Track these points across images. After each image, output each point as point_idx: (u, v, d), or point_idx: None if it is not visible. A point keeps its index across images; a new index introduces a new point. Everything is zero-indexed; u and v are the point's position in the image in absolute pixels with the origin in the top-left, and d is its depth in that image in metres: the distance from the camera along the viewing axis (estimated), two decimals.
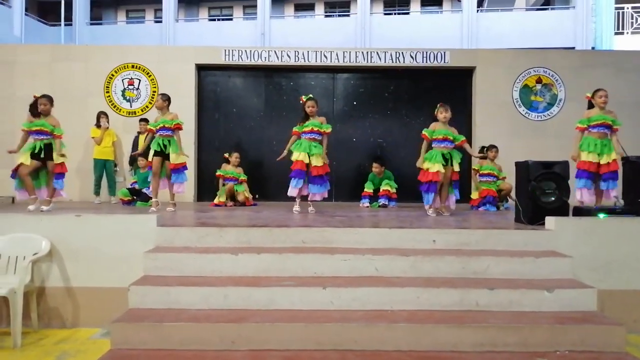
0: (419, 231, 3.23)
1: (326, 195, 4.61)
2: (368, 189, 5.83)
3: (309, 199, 4.62)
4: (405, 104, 6.76)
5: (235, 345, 2.45)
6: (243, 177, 5.84)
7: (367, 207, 5.70)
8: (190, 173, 6.42)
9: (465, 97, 6.74)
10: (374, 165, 5.90)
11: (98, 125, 6.10)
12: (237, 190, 5.73)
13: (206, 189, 6.62)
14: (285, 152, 4.60)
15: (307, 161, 4.44)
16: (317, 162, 4.47)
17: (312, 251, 3.02)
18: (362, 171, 6.59)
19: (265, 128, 6.76)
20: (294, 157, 4.46)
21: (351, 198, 6.50)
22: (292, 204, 4.66)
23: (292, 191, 4.47)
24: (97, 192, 5.96)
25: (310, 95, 4.64)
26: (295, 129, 4.64)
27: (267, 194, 6.61)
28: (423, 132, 4.51)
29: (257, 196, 6.34)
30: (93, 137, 6.06)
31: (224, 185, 5.71)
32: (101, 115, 6.12)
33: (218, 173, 5.80)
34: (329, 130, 4.57)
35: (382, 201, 5.71)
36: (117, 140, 6.26)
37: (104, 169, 6.01)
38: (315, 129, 4.49)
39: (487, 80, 6.60)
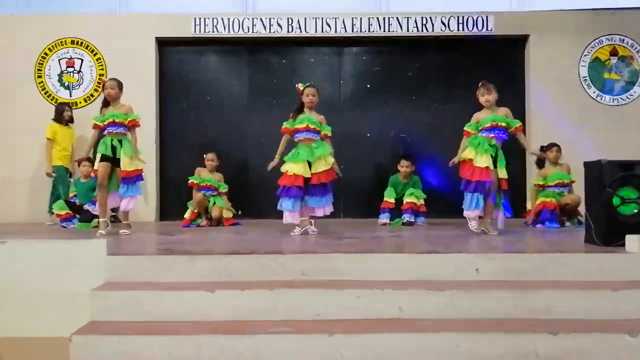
0: (456, 257, 3.23)
1: (330, 210, 4.64)
2: (389, 197, 5.87)
3: (307, 215, 4.67)
4: (435, 86, 6.81)
5: None
6: (223, 189, 5.90)
7: (387, 224, 5.75)
8: (151, 183, 6.53)
9: (515, 77, 6.79)
10: (402, 163, 5.88)
11: (60, 121, 6.14)
12: (214, 204, 5.78)
13: (172, 204, 6.68)
14: (277, 159, 4.65)
15: (307, 175, 4.48)
16: (320, 165, 4.53)
17: (314, 285, 3.04)
18: (379, 177, 6.64)
19: (250, 122, 6.81)
20: (288, 169, 4.48)
21: (365, 213, 6.54)
22: (287, 225, 4.65)
23: (291, 216, 4.48)
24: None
25: (310, 83, 4.70)
26: (285, 126, 4.67)
27: (253, 210, 6.65)
28: (466, 128, 4.55)
29: (239, 212, 6.40)
30: (50, 139, 6.08)
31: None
32: (65, 108, 6.20)
33: (191, 181, 5.85)
34: (329, 132, 4.63)
35: (406, 217, 5.74)
36: (75, 142, 6.32)
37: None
38: (312, 126, 4.55)
39: (545, 52, 6.64)
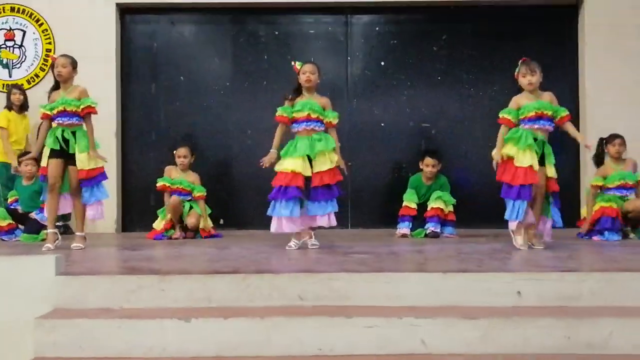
0: (493, 277, 3.23)
1: (334, 222, 4.64)
2: (409, 202, 5.90)
3: (307, 224, 4.71)
4: (467, 64, 6.85)
5: None
6: (200, 192, 5.92)
7: (407, 235, 5.76)
8: (111, 186, 6.46)
9: (566, 50, 6.81)
10: (426, 161, 5.89)
11: (10, 108, 6.13)
12: (190, 210, 5.82)
13: (137, 211, 6.72)
14: (274, 152, 4.67)
15: (308, 173, 4.54)
16: (323, 163, 4.56)
17: (316, 313, 3.04)
18: (396, 178, 6.72)
19: (234, 109, 6.87)
20: (282, 167, 4.53)
21: (378, 222, 6.60)
22: (277, 235, 4.70)
23: (288, 225, 4.50)
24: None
25: (311, 60, 4.82)
26: (280, 112, 4.71)
27: (238, 219, 6.72)
28: (501, 114, 4.56)
29: (221, 222, 6.42)
30: (4, 128, 6.06)
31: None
32: (13, 90, 6.18)
33: (160, 183, 5.88)
34: (336, 121, 4.68)
35: (430, 227, 5.74)
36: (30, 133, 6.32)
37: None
38: (314, 115, 4.60)
39: (604, 19, 6.62)
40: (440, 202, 5.76)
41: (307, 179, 4.55)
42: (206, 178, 6.13)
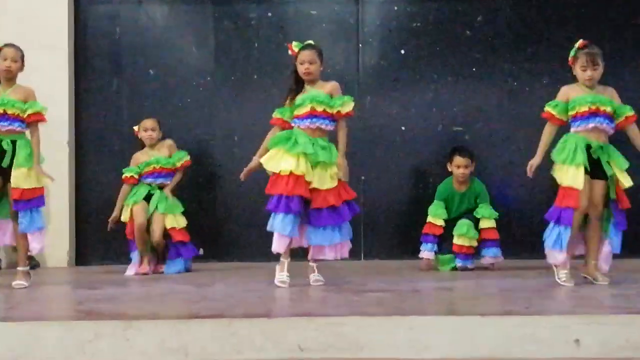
0: (545, 321, 3.21)
1: (346, 254, 4.68)
2: (435, 218, 5.89)
3: (309, 256, 4.74)
4: (509, 52, 6.84)
5: None
6: (182, 159, 6.08)
7: (431, 262, 5.82)
8: (62, 209, 6.58)
9: (636, 34, 6.81)
10: (456, 161, 5.89)
11: None
12: (153, 214, 5.88)
13: (95, 239, 6.71)
14: (257, 160, 4.71)
15: (308, 178, 4.54)
16: (324, 179, 4.57)
17: None
18: (420, 195, 6.68)
19: (218, 110, 6.88)
20: (279, 167, 4.54)
21: (399, 252, 6.62)
22: (274, 267, 4.70)
23: (279, 243, 4.54)
24: None
25: (309, 42, 4.77)
26: (277, 114, 4.76)
27: (223, 248, 6.73)
28: (547, 108, 4.59)
29: (200, 252, 6.45)
30: None
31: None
32: None
33: (126, 175, 6.03)
34: (348, 108, 4.67)
35: (459, 263, 5.73)
36: None
37: None
38: (320, 108, 4.60)
39: None
40: (464, 238, 5.72)
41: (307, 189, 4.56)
42: (182, 197, 6.13)
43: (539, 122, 4.72)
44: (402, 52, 6.89)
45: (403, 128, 6.82)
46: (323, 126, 4.60)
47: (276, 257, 4.70)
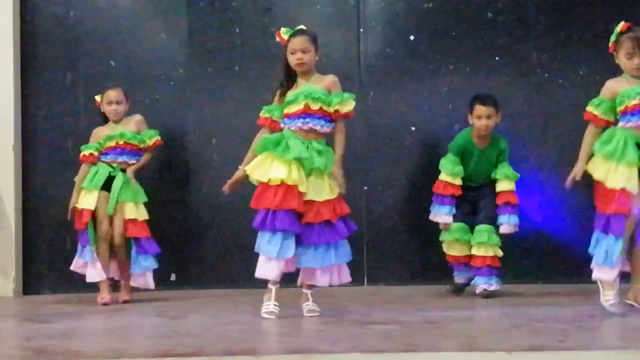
0: (582, 357, 3.20)
1: (345, 278, 4.70)
2: (449, 175, 5.89)
3: (300, 282, 4.78)
4: (537, 36, 6.85)
5: None
6: (152, 138, 6.12)
7: (448, 226, 5.87)
8: (6, 225, 6.53)
9: None
10: (478, 111, 5.86)
11: None
12: (116, 208, 5.93)
13: (46, 262, 6.69)
14: (242, 170, 4.73)
15: (302, 188, 4.56)
16: (320, 189, 4.60)
17: None
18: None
19: (193, 107, 6.88)
20: (264, 176, 4.56)
21: (408, 275, 6.64)
22: (261, 294, 4.73)
23: (264, 267, 4.55)
24: None
25: (301, 28, 4.81)
26: (265, 113, 4.79)
27: (199, 272, 6.72)
28: (589, 107, 4.62)
29: (172, 278, 6.49)
30: None
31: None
32: None
33: (85, 153, 6.04)
34: (348, 108, 4.70)
35: (481, 284, 5.70)
36: None
37: None
38: (315, 106, 4.62)
39: None
40: (487, 247, 5.71)
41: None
42: (151, 211, 6.14)
43: (575, 120, 4.74)
44: (412, 38, 6.86)
45: (413, 129, 6.79)
46: (318, 127, 4.62)
47: (263, 283, 4.68)
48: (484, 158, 5.89)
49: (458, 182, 5.83)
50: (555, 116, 6.58)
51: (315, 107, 4.59)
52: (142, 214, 5.98)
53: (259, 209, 4.52)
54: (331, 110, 4.63)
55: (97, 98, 6.15)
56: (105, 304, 5.71)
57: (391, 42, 6.91)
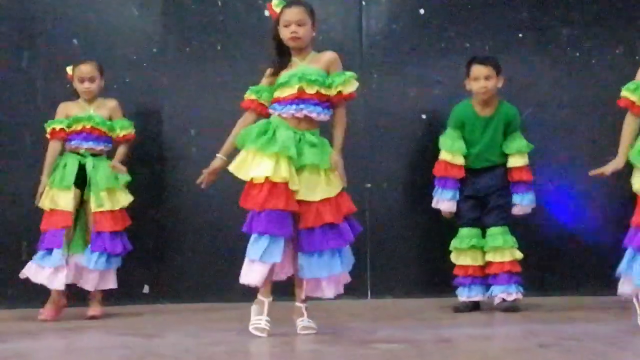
0: None
1: (346, 281, 4.69)
2: (450, 152, 5.95)
3: (299, 295, 4.78)
4: (567, 11, 6.84)
5: None
6: (125, 130, 6.20)
7: (452, 215, 5.97)
8: None
9: None
10: (475, 71, 5.94)
11: None
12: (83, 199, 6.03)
13: (5, 274, 6.61)
14: (220, 161, 4.77)
15: (294, 187, 4.57)
16: (314, 187, 4.62)
17: None
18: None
19: (169, 92, 6.91)
20: (251, 172, 4.58)
21: (417, 287, 6.68)
22: (250, 308, 4.70)
23: (249, 272, 4.55)
24: None
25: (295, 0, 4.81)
26: (251, 94, 4.82)
27: (176, 284, 6.73)
28: (624, 92, 4.64)
29: (145, 290, 6.52)
30: None
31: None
32: None
33: (53, 127, 6.09)
34: (351, 88, 4.71)
35: (499, 293, 5.74)
36: None
37: None
38: (311, 90, 4.63)
39: None
40: (503, 252, 5.76)
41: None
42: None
43: (612, 107, 4.70)
44: (422, 12, 6.88)
45: (424, 116, 6.80)
46: (314, 115, 4.62)
47: (251, 294, 4.69)
48: (489, 129, 5.94)
49: (459, 161, 5.91)
50: (588, 100, 6.59)
51: (311, 91, 4.60)
52: (119, 201, 6.08)
53: (248, 208, 4.55)
54: (332, 92, 4.64)
55: (69, 71, 6.20)
56: (46, 320, 5.76)
57: (398, 15, 6.92)
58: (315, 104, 4.60)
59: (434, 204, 5.99)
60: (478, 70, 5.87)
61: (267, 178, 4.45)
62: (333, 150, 4.67)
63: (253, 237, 4.51)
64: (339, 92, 4.63)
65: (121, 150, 6.16)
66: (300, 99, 4.58)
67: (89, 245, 5.97)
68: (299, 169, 4.56)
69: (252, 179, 4.51)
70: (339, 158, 4.64)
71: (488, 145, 5.93)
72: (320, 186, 4.57)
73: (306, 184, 4.55)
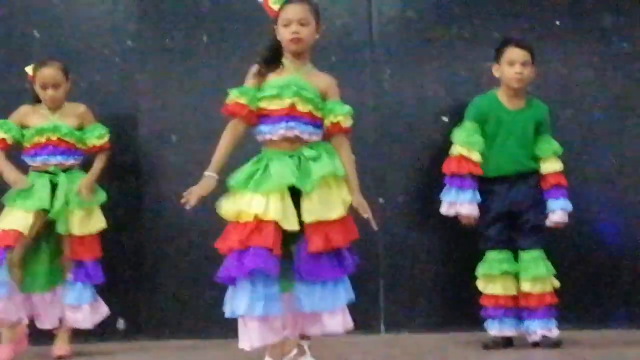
0: None
1: (349, 322, 4.67)
2: (466, 146, 5.92)
3: (294, 330, 4.76)
4: None
5: None
6: (98, 139, 6.16)
7: (470, 221, 5.93)
8: None
9: None
10: (510, 55, 5.94)
11: None
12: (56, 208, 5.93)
13: None
14: (210, 179, 4.67)
15: (293, 225, 4.56)
16: (324, 205, 4.60)
17: None
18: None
19: (145, 92, 6.88)
20: (238, 210, 4.61)
21: (437, 320, 6.65)
22: (236, 345, 4.69)
23: (255, 333, 4.50)
24: None
25: None
26: (237, 96, 4.72)
27: (156, 318, 6.70)
28: None
29: (121, 325, 6.53)
30: None
31: None
32: None
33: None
34: (345, 120, 4.77)
35: (537, 329, 5.75)
36: None
37: None
38: (304, 108, 4.66)
39: None
40: (543, 282, 5.75)
41: (290, 237, 4.57)
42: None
43: None
44: (436, 8, 6.86)
45: (445, 119, 6.71)
46: (305, 136, 4.65)
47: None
48: (517, 126, 5.92)
49: (476, 157, 5.85)
50: (637, 101, 6.54)
51: (304, 109, 4.63)
52: (96, 225, 6.04)
53: (225, 251, 4.51)
54: (330, 120, 4.71)
55: (29, 71, 6.14)
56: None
57: (414, 1, 6.85)
58: (307, 123, 4.65)
59: (444, 209, 5.90)
60: (515, 53, 5.86)
61: (256, 216, 4.45)
62: (351, 189, 4.69)
63: (242, 289, 4.44)
64: (338, 123, 4.70)
65: (97, 166, 6.13)
66: (290, 115, 4.61)
67: (69, 278, 5.92)
68: (309, 185, 4.53)
69: (237, 217, 4.51)
70: (361, 199, 4.66)
71: (519, 144, 5.91)
72: (330, 203, 4.57)
73: (315, 201, 4.54)
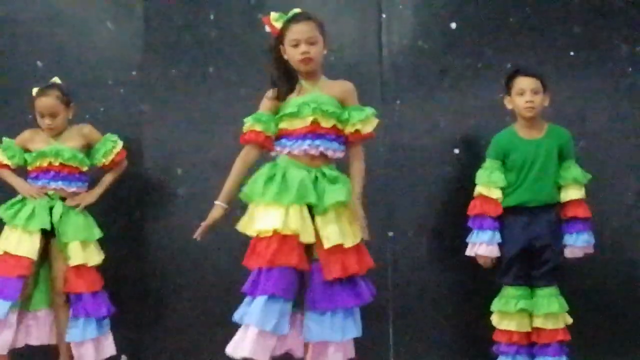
0: None
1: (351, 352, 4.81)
2: (487, 186, 5.97)
3: (308, 357, 4.83)
4: (626, 25, 6.86)
5: None
6: (109, 152, 6.22)
7: (490, 261, 5.97)
8: None
9: None
10: (519, 83, 5.97)
11: None
12: (58, 236, 6.02)
13: None
14: (220, 209, 4.79)
15: (309, 239, 4.64)
16: (343, 230, 4.67)
17: None
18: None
19: (150, 120, 6.90)
20: (259, 224, 4.67)
21: (448, 352, 6.67)
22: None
23: (257, 345, 4.53)
24: None
25: (301, 12, 4.91)
26: (253, 124, 4.81)
27: (159, 351, 6.72)
28: None
29: (123, 359, 6.57)
30: None
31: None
32: None
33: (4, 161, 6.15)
34: (371, 127, 4.88)
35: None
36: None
37: None
38: (328, 123, 4.74)
39: None
40: (556, 319, 5.79)
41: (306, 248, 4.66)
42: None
43: None
44: (453, 26, 6.86)
45: (456, 151, 6.76)
46: (330, 153, 4.75)
47: None
48: (540, 153, 5.92)
49: (496, 194, 5.90)
50: None
51: (327, 124, 4.71)
52: (93, 257, 6.05)
53: (251, 268, 4.63)
54: (348, 129, 4.76)
55: (34, 94, 6.20)
56: None
57: (425, 31, 6.90)
58: (332, 140, 4.74)
59: (468, 251, 5.95)
60: (524, 82, 5.89)
61: (275, 230, 4.45)
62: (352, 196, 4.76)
63: (260, 300, 4.49)
64: (357, 130, 4.74)
65: (107, 179, 6.22)
66: (314, 133, 4.67)
67: (70, 317, 5.96)
68: (322, 213, 4.61)
69: (258, 233, 4.54)
70: (359, 207, 4.73)
71: (541, 174, 5.91)
72: (350, 229, 4.69)
73: (333, 227, 4.62)
